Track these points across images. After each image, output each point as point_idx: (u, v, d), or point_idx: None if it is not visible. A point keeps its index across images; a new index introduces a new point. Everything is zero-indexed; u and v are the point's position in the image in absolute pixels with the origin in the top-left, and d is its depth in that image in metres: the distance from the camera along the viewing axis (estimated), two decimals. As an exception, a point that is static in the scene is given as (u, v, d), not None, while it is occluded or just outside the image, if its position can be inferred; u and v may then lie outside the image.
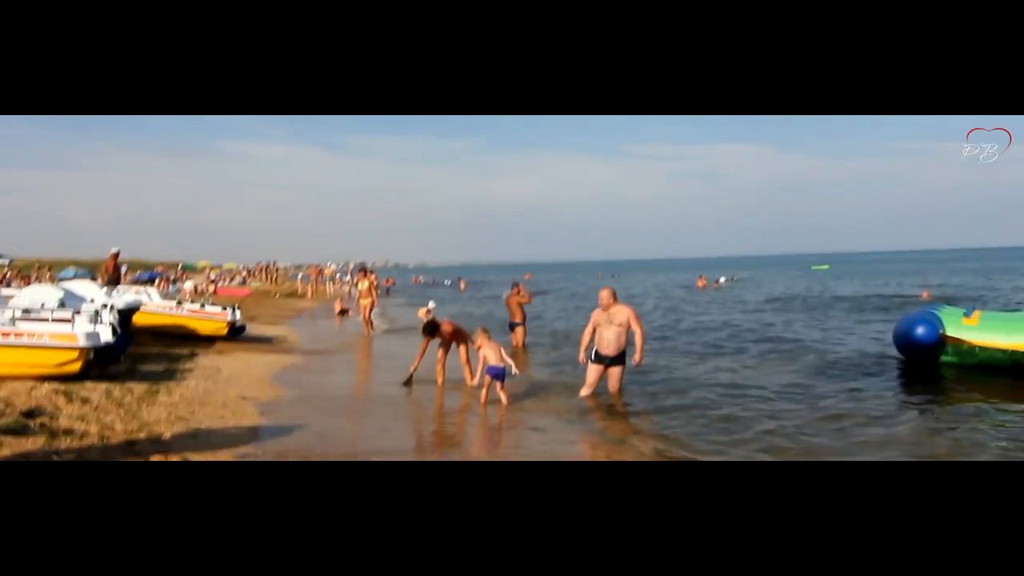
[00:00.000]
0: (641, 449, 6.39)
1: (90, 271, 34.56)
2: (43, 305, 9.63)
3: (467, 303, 29.42)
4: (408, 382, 9.40)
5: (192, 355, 11.27)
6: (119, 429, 6.03)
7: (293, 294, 34.05)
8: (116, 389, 7.68)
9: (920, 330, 9.71)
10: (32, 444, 5.36)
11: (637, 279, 53.65)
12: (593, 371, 8.77)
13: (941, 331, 9.67)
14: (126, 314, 11.02)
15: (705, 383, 9.65)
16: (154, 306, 13.43)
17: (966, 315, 10.10)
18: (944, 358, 9.91)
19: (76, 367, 7.76)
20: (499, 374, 8.20)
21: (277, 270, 49.69)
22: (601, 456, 6.30)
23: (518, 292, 14.20)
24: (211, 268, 63.56)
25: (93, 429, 5.94)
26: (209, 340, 13.15)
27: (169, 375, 9.21)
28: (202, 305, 14.32)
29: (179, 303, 14.30)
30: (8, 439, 5.37)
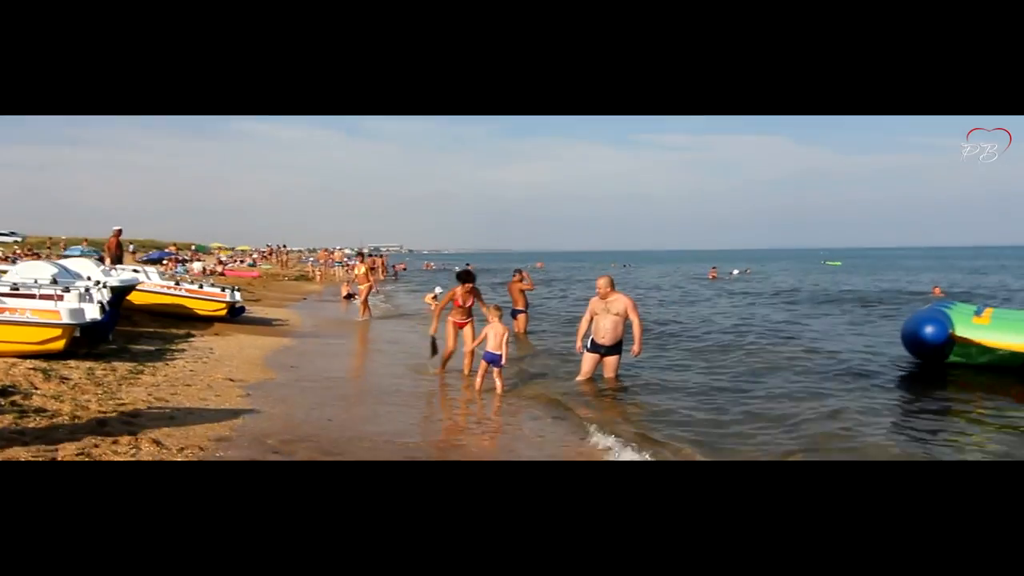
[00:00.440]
0: (625, 437, 6.22)
1: (98, 250, 34.68)
2: (36, 281, 9.49)
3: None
4: (432, 346, 9.21)
5: (187, 336, 11.16)
6: (92, 408, 5.87)
7: (302, 277, 34.08)
8: (99, 368, 7.54)
9: (928, 329, 9.24)
10: (-1, 422, 5.20)
11: (651, 270, 53.39)
12: (588, 360, 8.62)
13: (950, 330, 9.23)
14: (120, 292, 10.87)
15: (704, 375, 9.44)
16: (151, 285, 13.31)
17: (977, 313, 9.67)
18: (952, 358, 9.51)
19: (60, 345, 7.62)
20: (495, 360, 8.10)
21: (287, 253, 49.82)
22: (587, 446, 6.10)
23: (520, 279, 14.08)
24: (222, 249, 63.83)
25: (66, 408, 5.79)
26: (208, 321, 13.07)
27: (158, 355, 9.07)
28: (200, 285, 14.22)
29: (177, 283, 14.19)
30: (-25, 417, 5.22)
